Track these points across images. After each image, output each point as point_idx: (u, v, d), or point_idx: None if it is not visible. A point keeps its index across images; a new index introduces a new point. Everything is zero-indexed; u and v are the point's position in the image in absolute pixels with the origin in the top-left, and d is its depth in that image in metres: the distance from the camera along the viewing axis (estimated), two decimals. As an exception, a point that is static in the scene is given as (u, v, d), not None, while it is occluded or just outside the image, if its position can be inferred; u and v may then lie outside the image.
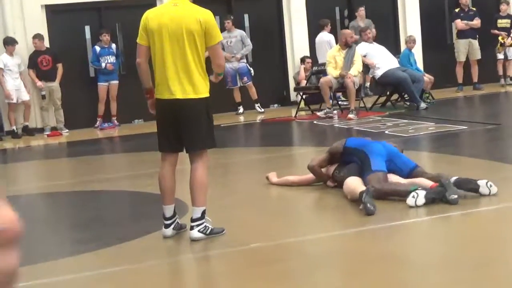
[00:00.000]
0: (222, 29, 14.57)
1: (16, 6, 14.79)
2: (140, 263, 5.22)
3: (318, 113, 13.65)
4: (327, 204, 6.86)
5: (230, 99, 15.44)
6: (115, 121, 15.24)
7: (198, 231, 5.60)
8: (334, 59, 13.37)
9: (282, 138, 12.10)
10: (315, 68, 15.06)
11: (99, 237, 6.12)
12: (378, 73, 13.99)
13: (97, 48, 15.01)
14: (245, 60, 15.51)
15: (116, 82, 15.14)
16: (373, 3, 17.05)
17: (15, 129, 14.59)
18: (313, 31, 16.09)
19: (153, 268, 5.13)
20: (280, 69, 16.69)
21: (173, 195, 5.78)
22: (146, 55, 5.72)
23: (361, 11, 16.28)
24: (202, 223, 5.62)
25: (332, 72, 13.27)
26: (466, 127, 10.68)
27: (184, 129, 5.62)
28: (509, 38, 16.51)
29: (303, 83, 15.48)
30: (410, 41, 14.88)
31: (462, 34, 16.43)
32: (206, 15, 5.63)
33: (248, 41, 15.43)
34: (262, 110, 15.42)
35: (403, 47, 15.82)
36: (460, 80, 16.55)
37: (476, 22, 16.33)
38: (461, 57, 16.44)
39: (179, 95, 5.58)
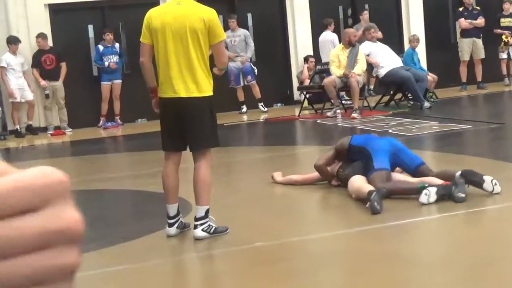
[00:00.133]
0: (226, 28, 14.55)
1: (19, 5, 14.79)
2: (143, 262, 5.22)
3: (328, 113, 13.60)
4: (331, 203, 6.85)
5: (234, 98, 15.43)
6: (118, 120, 15.23)
7: (202, 230, 5.60)
8: (337, 58, 13.35)
9: (286, 137, 12.09)
10: (318, 67, 15.05)
11: (103, 236, 6.12)
12: (382, 72, 13.97)
13: (100, 47, 15.00)
14: (249, 59, 15.50)
15: (119, 81, 15.13)
16: (377, 2, 17.04)
17: (18, 128, 14.60)
18: (317, 30, 16.07)
19: (156, 267, 5.12)
20: (284, 68, 16.68)
21: (177, 194, 5.77)
22: (150, 54, 5.71)
23: (365, 14, 16.27)
24: (206, 222, 5.61)
25: (336, 71, 13.25)
26: (470, 126, 10.67)
27: (188, 127, 5.61)
28: (513, 37, 16.49)
29: (307, 82, 15.47)
30: (414, 40, 14.86)
31: (466, 33, 16.40)
32: (209, 14, 5.63)
33: (251, 41, 15.42)
34: (266, 109, 15.40)
35: (406, 46, 15.79)
36: (464, 79, 16.52)
37: (480, 21, 16.29)
38: (465, 56, 16.41)
39: (182, 93, 5.57)
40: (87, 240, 6.01)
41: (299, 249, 5.31)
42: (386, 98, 14.60)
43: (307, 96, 14.74)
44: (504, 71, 16.69)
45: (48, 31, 14.98)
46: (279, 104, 16.52)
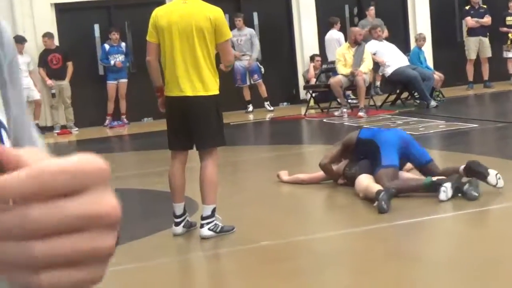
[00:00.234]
0: (232, 27, 14.54)
1: (25, 4, 14.82)
2: (150, 261, 5.22)
3: (335, 113, 13.57)
4: (337, 202, 6.84)
5: (240, 97, 15.43)
6: (125, 119, 15.24)
7: (208, 229, 5.59)
8: (343, 57, 13.34)
9: (292, 136, 12.09)
10: (324, 66, 15.03)
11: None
12: (388, 71, 13.96)
13: (107, 46, 15.01)
14: (255, 60, 15.49)
15: (125, 80, 15.14)
16: (383, 0, 17.01)
17: (25, 127, 14.61)
18: (323, 29, 16.06)
19: (163, 266, 5.12)
20: (290, 67, 16.67)
21: (183, 193, 5.77)
22: (156, 52, 5.71)
23: (371, 10, 16.24)
24: (212, 221, 5.61)
25: (342, 70, 13.24)
26: (476, 125, 10.65)
27: (194, 126, 5.61)
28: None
29: (313, 81, 15.46)
30: (420, 39, 14.84)
31: (472, 31, 16.36)
32: (216, 12, 5.62)
33: (256, 40, 15.40)
34: (272, 108, 15.39)
35: (413, 45, 15.76)
36: (470, 78, 16.48)
37: (487, 19, 16.25)
38: (471, 55, 16.37)
39: (189, 92, 5.57)
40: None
41: (306, 248, 5.31)
42: (392, 97, 14.59)
43: (313, 95, 14.72)
44: (511, 70, 16.64)
45: (54, 30, 15.00)
46: (285, 103, 16.51)
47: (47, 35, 14.64)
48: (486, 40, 16.33)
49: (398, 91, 14.53)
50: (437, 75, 14.31)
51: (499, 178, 6.18)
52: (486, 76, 16.48)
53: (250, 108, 15.50)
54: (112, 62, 14.90)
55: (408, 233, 5.56)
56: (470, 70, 16.46)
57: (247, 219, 6.19)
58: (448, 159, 8.56)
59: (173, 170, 5.74)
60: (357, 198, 6.44)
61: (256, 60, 15.44)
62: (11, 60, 0.96)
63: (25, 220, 0.56)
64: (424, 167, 6.64)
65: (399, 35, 16.75)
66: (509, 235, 5.27)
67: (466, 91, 16.11)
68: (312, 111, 14.53)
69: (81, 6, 15.38)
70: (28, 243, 0.57)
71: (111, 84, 15.09)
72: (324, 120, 13.13)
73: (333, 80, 13.37)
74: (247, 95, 15.54)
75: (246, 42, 15.28)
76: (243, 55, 15.19)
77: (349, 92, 14.48)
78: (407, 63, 14.14)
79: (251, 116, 14.98)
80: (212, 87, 5.60)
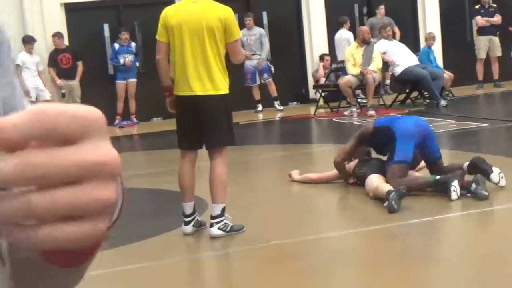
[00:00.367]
0: (241, 26, 14.54)
1: (35, 4, 14.85)
2: (160, 260, 5.22)
3: (345, 113, 13.55)
4: (347, 201, 6.84)
5: (249, 97, 15.42)
6: (134, 119, 15.26)
7: (218, 228, 5.59)
8: (352, 56, 13.33)
9: (301, 135, 12.08)
10: (334, 66, 15.01)
11: (119, 234, 6.11)
12: (398, 70, 13.93)
13: (116, 46, 15.03)
14: (265, 59, 15.48)
15: (134, 80, 15.15)
16: (393, 0, 16.97)
17: (34, 127, 14.64)
18: (332, 28, 16.03)
19: (173, 265, 5.13)
20: (299, 67, 16.66)
21: (193, 192, 5.77)
22: (166, 52, 5.71)
23: (382, 9, 16.21)
24: (222, 220, 5.61)
25: (352, 69, 13.22)
26: (486, 125, 10.61)
27: (204, 126, 5.61)
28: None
29: (322, 80, 15.44)
30: (430, 38, 14.80)
31: (482, 31, 16.30)
32: (226, 12, 5.63)
33: (266, 40, 15.39)
34: (281, 107, 15.38)
35: (422, 44, 15.73)
36: (480, 77, 16.42)
37: (497, 18, 16.20)
38: (481, 54, 16.32)
39: (199, 91, 5.57)
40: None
41: (316, 247, 5.30)
42: (402, 97, 14.56)
43: (323, 94, 14.71)
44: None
45: (64, 30, 15.04)
46: (294, 103, 16.50)
47: (57, 35, 14.67)
48: (496, 39, 16.28)
49: (407, 90, 14.50)
50: (447, 74, 14.28)
51: (501, 177, 6.24)
52: (496, 75, 16.42)
53: (260, 107, 15.49)
54: (121, 61, 14.91)
55: (418, 233, 5.55)
56: (480, 69, 16.41)
57: (257, 219, 6.19)
58: (457, 158, 8.51)
59: (183, 169, 5.75)
60: (367, 197, 6.43)
61: (266, 59, 15.44)
62: None
63: (24, 169, 0.55)
64: (434, 163, 6.66)
65: (408, 34, 16.72)
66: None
67: (476, 91, 16.05)
68: (322, 110, 14.51)
69: (91, 6, 15.41)
70: (26, 195, 0.55)
71: (120, 83, 15.11)
72: (334, 120, 13.12)
73: (341, 81, 13.35)
74: (256, 94, 15.53)
75: (256, 42, 15.27)
76: (253, 54, 15.19)
77: (358, 92, 14.46)
78: (417, 62, 14.10)
79: (260, 116, 14.97)
80: (222, 86, 5.60)
